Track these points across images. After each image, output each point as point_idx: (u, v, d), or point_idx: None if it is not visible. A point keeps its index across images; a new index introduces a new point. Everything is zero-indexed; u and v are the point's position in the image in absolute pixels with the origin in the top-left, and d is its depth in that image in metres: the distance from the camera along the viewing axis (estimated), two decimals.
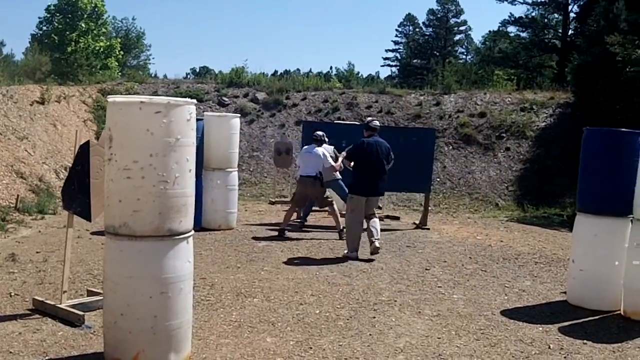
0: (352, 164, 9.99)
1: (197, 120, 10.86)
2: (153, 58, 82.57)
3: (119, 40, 41.42)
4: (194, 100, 4.97)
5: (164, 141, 4.68)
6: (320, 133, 11.80)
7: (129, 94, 20.94)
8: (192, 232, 5.04)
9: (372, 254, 9.84)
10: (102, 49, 37.11)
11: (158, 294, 4.80)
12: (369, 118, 11.90)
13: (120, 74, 33.94)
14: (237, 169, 11.91)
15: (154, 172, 4.67)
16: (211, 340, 5.77)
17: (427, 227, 13.03)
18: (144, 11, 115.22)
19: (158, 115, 4.65)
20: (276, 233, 11.37)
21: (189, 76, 50.81)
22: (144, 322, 4.80)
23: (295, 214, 12.11)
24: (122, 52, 41.07)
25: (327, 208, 11.80)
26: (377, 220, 10.12)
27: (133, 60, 52.41)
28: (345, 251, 9.92)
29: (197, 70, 70.52)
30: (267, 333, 6.04)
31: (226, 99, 22.68)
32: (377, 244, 9.82)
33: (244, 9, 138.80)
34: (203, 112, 16.37)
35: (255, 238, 10.94)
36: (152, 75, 40.78)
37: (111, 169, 4.79)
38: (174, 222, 4.80)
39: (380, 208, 14.93)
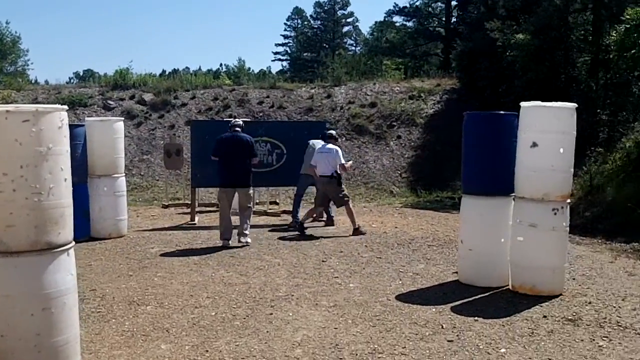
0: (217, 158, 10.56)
1: (79, 126, 10.62)
2: (32, 63, 79.32)
3: None
4: (65, 107, 4.76)
5: (35, 151, 4.47)
6: (333, 132, 12.37)
7: (6, 102, 20.07)
8: (73, 243, 4.86)
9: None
10: None
11: (40, 311, 4.59)
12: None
13: None
14: (124, 174, 11.58)
15: (26, 183, 4.46)
16: (103, 352, 5.59)
17: (323, 219, 13.09)
18: (19, 14, 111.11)
19: (26, 124, 4.44)
20: (170, 237, 11.19)
21: (72, 80, 49.34)
22: (26, 342, 4.58)
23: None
24: None
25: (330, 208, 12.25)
26: (246, 215, 10.60)
27: (10, 67, 50.14)
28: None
29: (81, 73, 68.54)
30: (162, 340, 5.91)
31: (111, 102, 22.10)
32: (242, 239, 10.47)
33: (127, 7, 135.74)
34: (87, 117, 15.90)
35: (148, 244, 10.71)
36: (32, 81, 39.26)
37: None
38: (52, 234, 4.61)
39: (277, 204, 14.95)
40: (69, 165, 4.80)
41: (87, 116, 18.05)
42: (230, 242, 10.40)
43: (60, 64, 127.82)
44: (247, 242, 10.43)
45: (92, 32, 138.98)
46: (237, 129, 10.70)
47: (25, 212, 4.49)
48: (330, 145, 11.70)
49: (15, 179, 4.44)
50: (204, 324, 6.38)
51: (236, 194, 10.59)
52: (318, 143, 12.22)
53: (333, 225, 12.50)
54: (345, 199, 11.72)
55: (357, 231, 11.53)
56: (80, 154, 10.36)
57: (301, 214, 12.37)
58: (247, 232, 10.58)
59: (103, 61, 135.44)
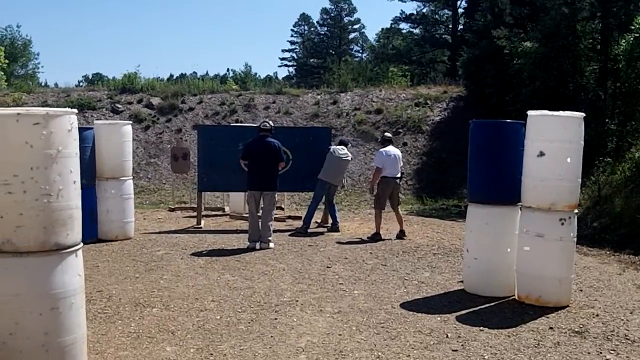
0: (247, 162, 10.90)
1: (88, 129, 10.67)
2: (42, 67, 79.71)
3: (4, 49, 39.55)
4: (75, 110, 4.80)
5: (45, 153, 4.51)
6: (389, 135, 13.18)
7: (17, 104, 20.22)
8: (81, 244, 4.89)
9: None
10: None
11: (48, 311, 4.62)
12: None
13: (6, 84, 32.56)
14: (131, 177, 11.63)
15: (36, 185, 4.49)
16: (109, 353, 5.62)
17: (328, 224, 13.10)
18: (30, 18, 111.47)
19: (37, 127, 4.47)
20: (176, 240, 11.21)
21: (81, 84, 49.47)
22: (34, 341, 4.61)
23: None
24: (7, 62, 39.24)
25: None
26: (268, 219, 10.74)
27: (20, 70, 50.38)
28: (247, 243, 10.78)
29: (90, 77, 68.65)
30: (167, 342, 5.93)
31: (120, 106, 22.19)
32: (263, 245, 10.67)
33: (137, 12, 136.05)
34: (96, 120, 15.96)
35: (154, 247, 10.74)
36: (42, 84, 39.39)
37: None
38: (61, 235, 4.64)
39: (282, 209, 14.96)
40: (78, 167, 4.84)
41: (96, 119, 18.12)
42: (257, 245, 10.61)
43: (69, 67, 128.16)
44: (269, 247, 10.62)
45: (101, 36, 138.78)
46: (266, 132, 10.88)
47: (35, 213, 4.52)
48: (395, 149, 12.37)
49: (26, 181, 4.48)
50: (209, 327, 6.40)
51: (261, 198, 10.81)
52: (339, 149, 12.59)
53: (338, 231, 12.52)
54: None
55: (402, 233, 12.04)
56: (88, 156, 10.42)
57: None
58: (270, 238, 10.77)
59: (111, 65, 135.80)
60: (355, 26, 68.18)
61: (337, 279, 8.61)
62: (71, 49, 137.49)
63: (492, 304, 7.50)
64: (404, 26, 45.17)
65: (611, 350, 5.96)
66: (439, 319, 6.84)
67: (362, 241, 11.61)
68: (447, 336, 6.25)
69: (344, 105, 23.31)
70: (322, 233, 12.40)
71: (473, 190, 8.16)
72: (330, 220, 12.91)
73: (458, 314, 7.04)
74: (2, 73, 36.32)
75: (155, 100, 22.68)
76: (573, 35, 18.15)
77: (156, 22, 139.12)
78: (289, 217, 14.42)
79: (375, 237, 11.72)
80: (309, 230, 12.36)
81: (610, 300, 7.78)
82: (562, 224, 7.19)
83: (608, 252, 11.23)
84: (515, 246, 7.61)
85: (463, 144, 9.36)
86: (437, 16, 44.03)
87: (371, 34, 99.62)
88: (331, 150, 12.56)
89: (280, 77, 65.30)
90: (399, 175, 12.10)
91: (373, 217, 12.25)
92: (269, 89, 25.55)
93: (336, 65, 36.58)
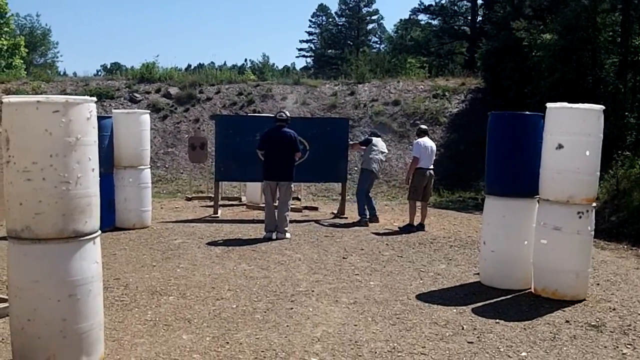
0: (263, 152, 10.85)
1: (106, 118, 10.72)
2: (61, 56, 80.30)
3: (23, 38, 39.77)
4: (94, 98, 4.82)
5: (64, 141, 4.54)
6: (425, 126, 12.95)
7: (36, 93, 20.34)
8: (99, 232, 4.92)
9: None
10: (6, 48, 35.56)
11: (66, 297, 4.66)
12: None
13: (25, 72, 32.73)
14: (149, 166, 11.68)
15: (54, 173, 4.52)
16: (126, 340, 5.66)
17: (345, 216, 13.11)
18: (49, 7, 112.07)
19: (56, 114, 4.51)
20: (193, 229, 11.26)
21: (99, 73, 49.71)
22: (52, 327, 4.66)
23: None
24: (27, 50, 39.44)
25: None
26: (284, 210, 10.76)
27: (40, 59, 50.75)
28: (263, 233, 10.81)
29: (108, 66, 68.93)
30: (183, 330, 5.96)
31: (138, 95, 22.25)
32: (280, 235, 10.67)
33: (156, 2, 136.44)
34: (114, 109, 16.03)
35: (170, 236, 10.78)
36: (61, 73, 39.57)
37: (10, 171, 4.61)
38: (79, 223, 4.67)
39: (299, 199, 14.97)
40: (97, 156, 4.86)
41: (114, 108, 18.21)
42: (273, 235, 10.65)
43: (88, 56, 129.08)
44: (285, 238, 10.66)
45: (120, 26, 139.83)
46: (282, 123, 10.89)
47: (54, 200, 4.56)
48: (431, 141, 12.26)
49: (45, 168, 4.52)
50: (225, 316, 6.43)
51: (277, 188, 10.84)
52: (379, 141, 12.84)
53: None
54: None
55: (422, 227, 11.98)
56: (106, 145, 10.46)
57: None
58: (286, 228, 10.79)
59: (130, 55, 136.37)
60: (374, 17, 67.99)
61: (353, 269, 8.62)
62: (90, 39, 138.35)
63: (508, 296, 7.48)
64: (423, 17, 44.90)
65: (628, 344, 5.93)
66: (454, 310, 6.84)
67: (392, 231, 11.64)
68: (462, 328, 6.25)
69: (362, 97, 23.25)
70: (338, 224, 12.38)
71: (491, 182, 8.13)
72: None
73: (474, 306, 7.03)
74: (22, 62, 36.57)
75: (173, 90, 22.72)
76: (593, 27, 17.95)
77: (175, 12, 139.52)
78: (306, 208, 14.42)
79: (408, 228, 11.72)
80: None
81: (628, 294, 7.74)
82: (580, 217, 7.15)
83: (626, 247, 11.17)
84: (533, 239, 7.58)
85: (481, 136, 9.32)
86: (455, 7, 43.72)
87: (389, 25, 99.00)
88: (373, 141, 12.74)
89: (298, 67, 65.28)
90: (432, 167, 12.00)
91: (389, 208, 12.24)
92: (286, 80, 25.55)
93: (354, 56, 36.54)
